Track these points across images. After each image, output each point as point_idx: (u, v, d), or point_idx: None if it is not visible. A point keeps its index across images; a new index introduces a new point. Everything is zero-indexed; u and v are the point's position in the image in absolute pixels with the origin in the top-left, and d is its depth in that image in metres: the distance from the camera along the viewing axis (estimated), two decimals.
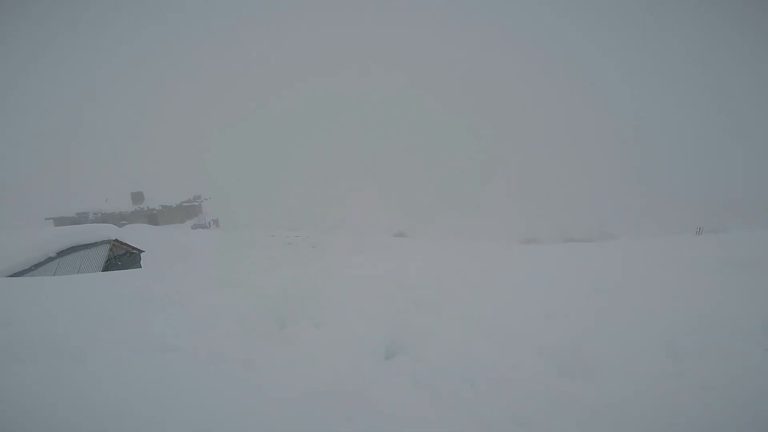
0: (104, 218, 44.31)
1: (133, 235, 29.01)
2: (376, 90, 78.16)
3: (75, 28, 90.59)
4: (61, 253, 11.83)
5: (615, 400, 2.44)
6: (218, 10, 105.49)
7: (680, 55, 77.36)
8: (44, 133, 65.36)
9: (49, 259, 11.65)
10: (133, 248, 14.26)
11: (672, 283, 4.94)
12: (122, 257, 13.34)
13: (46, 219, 42.17)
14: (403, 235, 37.48)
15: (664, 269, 6.00)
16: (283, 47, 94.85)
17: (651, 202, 48.82)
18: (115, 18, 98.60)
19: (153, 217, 45.54)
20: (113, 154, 67.92)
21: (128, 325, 3.30)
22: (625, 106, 69.65)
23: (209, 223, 50.17)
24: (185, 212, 47.76)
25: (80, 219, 43.45)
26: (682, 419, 2.18)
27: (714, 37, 76.34)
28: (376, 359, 3.01)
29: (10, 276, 10.35)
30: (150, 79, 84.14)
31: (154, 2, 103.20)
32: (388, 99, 75.94)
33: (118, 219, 44.42)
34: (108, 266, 11.99)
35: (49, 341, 2.80)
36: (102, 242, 12.65)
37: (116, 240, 13.19)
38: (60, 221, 42.87)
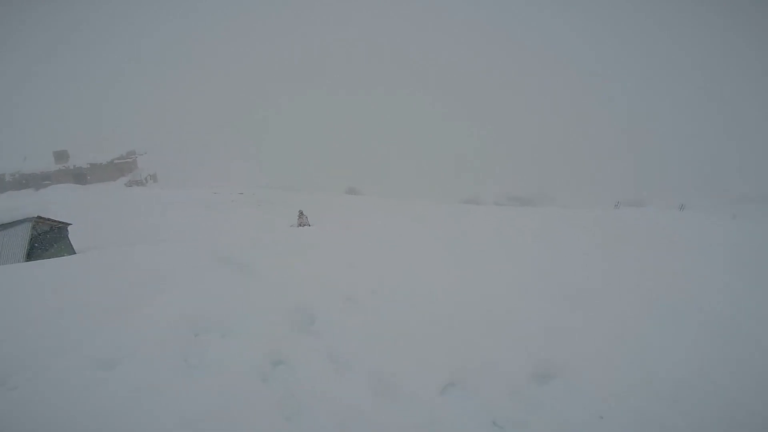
0: (24, 179, 40.82)
1: (57, 197, 27.36)
2: (375, 91, 75.83)
3: (78, 28, 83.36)
4: None
5: None
6: (219, 10, 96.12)
7: (679, 56, 77.45)
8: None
9: None
10: (59, 222, 13.90)
11: None
12: (47, 234, 13.09)
13: None
14: (355, 192, 38.01)
15: None
16: (283, 49, 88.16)
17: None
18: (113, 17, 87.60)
19: (80, 176, 42.56)
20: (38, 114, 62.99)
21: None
22: (624, 106, 69.96)
23: (146, 179, 47.69)
24: (118, 169, 44.94)
25: None
26: None
27: (712, 35, 76.70)
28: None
29: None
30: (150, 79, 77.06)
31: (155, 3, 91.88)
32: (387, 100, 73.99)
33: (40, 179, 41.10)
34: (32, 248, 11.79)
35: None
36: (22, 221, 12.28)
37: (38, 216, 12.82)
38: None
